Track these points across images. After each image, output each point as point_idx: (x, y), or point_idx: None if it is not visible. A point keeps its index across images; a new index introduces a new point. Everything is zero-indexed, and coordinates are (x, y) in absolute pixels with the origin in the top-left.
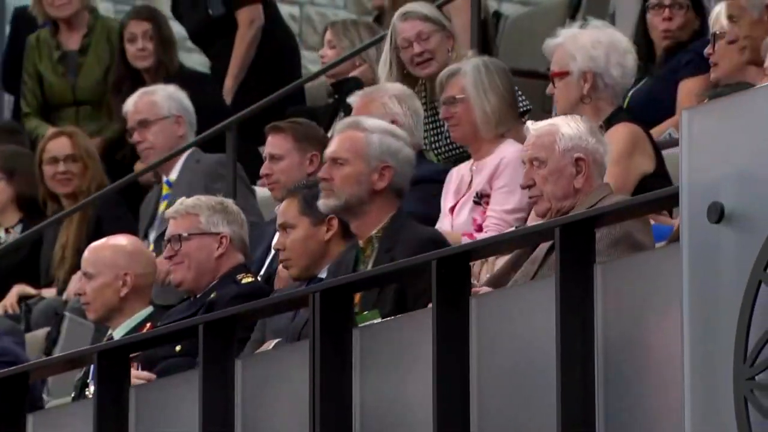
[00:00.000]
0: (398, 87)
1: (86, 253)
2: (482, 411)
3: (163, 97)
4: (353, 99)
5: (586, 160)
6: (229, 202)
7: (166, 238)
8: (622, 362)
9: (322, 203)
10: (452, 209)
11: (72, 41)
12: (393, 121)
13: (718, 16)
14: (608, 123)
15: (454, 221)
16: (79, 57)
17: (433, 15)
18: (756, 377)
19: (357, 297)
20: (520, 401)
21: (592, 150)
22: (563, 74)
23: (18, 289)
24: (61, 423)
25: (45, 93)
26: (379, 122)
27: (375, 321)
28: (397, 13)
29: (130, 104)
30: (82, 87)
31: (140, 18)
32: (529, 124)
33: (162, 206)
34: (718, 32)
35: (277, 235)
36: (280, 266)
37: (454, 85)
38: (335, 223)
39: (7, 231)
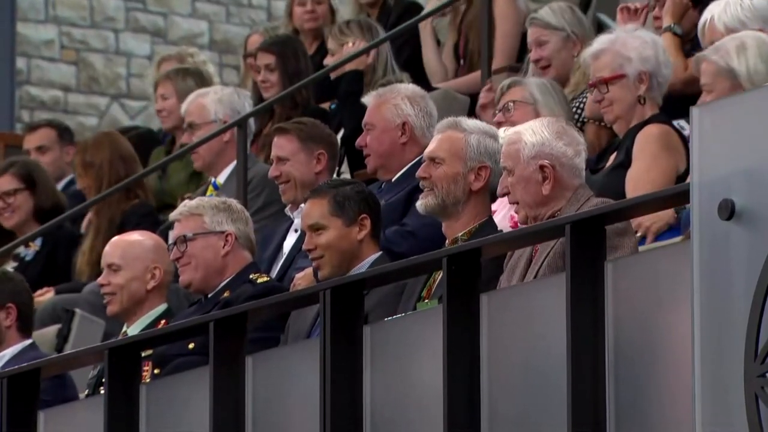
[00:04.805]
0: (411, 88)
1: (109, 247)
2: (492, 407)
3: (213, 101)
4: (367, 99)
5: (550, 166)
6: (233, 201)
7: (171, 240)
8: (632, 358)
9: (420, 202)
10: None
11: None
12: (404, 123)
13: (710, 24)
14: (645, 123)
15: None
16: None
17: (553, 21)
18: (766, 374)
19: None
20: (531, 398)
21: (557, 155)
22: (619, 77)
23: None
24: (72, 420)
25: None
26: (477, 123)
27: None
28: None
29: (185, 105)
30: (170, 192)
31: (265, 50)
32: (501, 131)
33: None
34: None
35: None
36: (297, 275)
37: (515, 92)
38: (368, 223)
39: (27, 246)
